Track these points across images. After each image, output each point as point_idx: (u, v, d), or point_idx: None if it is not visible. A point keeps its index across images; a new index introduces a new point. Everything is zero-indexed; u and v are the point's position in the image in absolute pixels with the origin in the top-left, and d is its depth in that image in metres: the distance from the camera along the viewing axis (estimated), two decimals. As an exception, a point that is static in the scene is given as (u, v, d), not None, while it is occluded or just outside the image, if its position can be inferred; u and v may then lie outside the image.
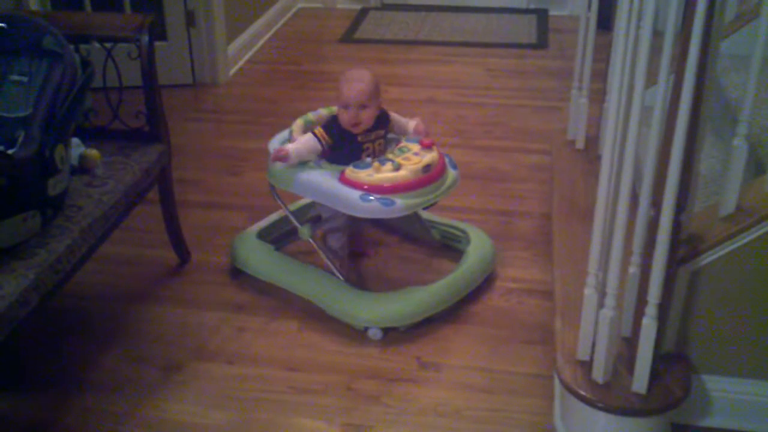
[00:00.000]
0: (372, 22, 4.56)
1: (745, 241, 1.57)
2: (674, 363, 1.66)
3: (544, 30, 4.37)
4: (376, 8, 4.81)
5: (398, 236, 2.39)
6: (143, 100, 2.07)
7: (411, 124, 2.11)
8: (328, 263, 2.09)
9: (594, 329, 1.62)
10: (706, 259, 1.59)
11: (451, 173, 2.06)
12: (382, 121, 2.05)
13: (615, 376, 1.63)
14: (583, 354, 1.67)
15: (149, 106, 2.07)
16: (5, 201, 1.55)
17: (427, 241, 2.34)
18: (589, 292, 1.62)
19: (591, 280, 1.62)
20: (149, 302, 2.14)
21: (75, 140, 1.93)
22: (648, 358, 1.57)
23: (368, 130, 2.02)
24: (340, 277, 2.07)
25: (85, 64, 1.79)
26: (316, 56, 4.09)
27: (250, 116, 3.32)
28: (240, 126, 3.23)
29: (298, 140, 2.01)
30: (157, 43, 2.13)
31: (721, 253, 1.58)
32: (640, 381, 1.59)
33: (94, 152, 1.96)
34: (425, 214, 2.30)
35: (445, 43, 4.21)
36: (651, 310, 1.54)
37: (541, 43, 4.16)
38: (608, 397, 1.61)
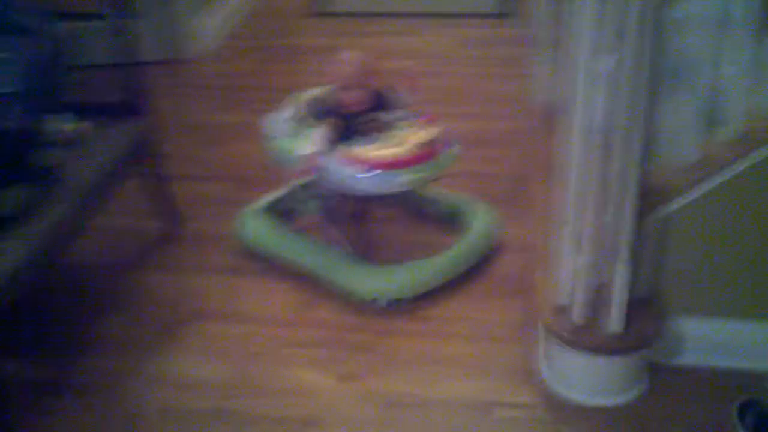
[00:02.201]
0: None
1: (708, 188, 1.68)
2: (648, 305, 1.77)
3: None
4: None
5: (401, 211, 2.42)
6: (123, 76, 2.12)
7: (402, 94, 2.11)
8: (334, 237, 2.15)
9: (571, 274, 1.74)
10: (674, 205, 1.70)
11: (452, 147, 2.10)
12: (380, 99, 2.07)
13: (593, 318, 1.74)
14: (562, 299, 1.78)
15: (133, 79, 2.12)
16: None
17: (430, 216, 2.38)
18: (567, 240, 1.73)
19: (568, 228, 1.73)
20: (145, 269, 2.21)
21: (64, 114, 1.97)
22: (623, 301, 1.69)
23: (365, 110, 2.04)
24: (346, 251, 2.13)
25: (67, 39, 1.84)
26: (289, 31, 4.13)
27: (226, 90, 3.37)
28: (217, 100, 3.28)
29: (316, 137, 2.00)
30: (129, 21, 2.16)
31: (687, 200, 1.70)
32: (616, 322, 1.71)
33: (83, 125, 2.01)
34: (428, 189, 2.34)
35: (413, 14, 4.28)
36: (624, 255, 1.66)
37: (507, 12, 4.26)
38: (587, 338, 1.72)
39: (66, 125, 1.95)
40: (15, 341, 1.90)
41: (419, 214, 2.40)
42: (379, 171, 1.95)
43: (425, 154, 2.00)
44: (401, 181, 1.97)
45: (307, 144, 2.02)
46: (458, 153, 2.12)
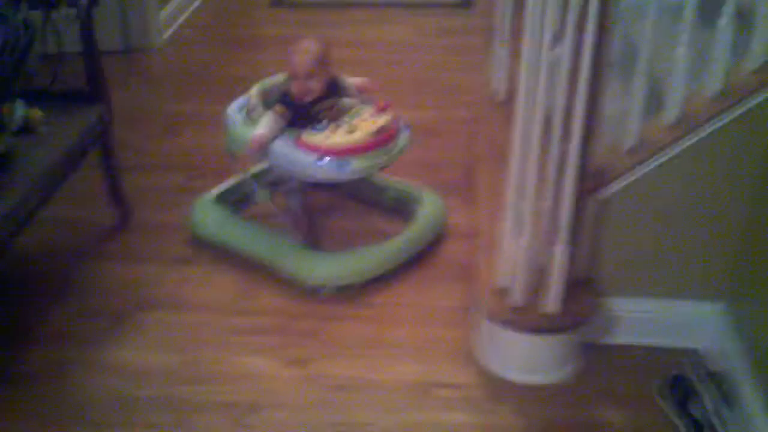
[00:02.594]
0: (302, -15, 4.62)
1: (645, 171, 1.72)
2: (584, 286, 1.81)
3: (470, -11, 4.49)
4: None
5: (352, 198, 2.44)
6: (81, 64, 2.12)
7: (354, 81, 2.16)
8: (287, 224, 2.16)
9: (512, 257, 1.77)
10: (612, 189, 1.74)
11: (405, 134, 2.13)
12: (334, 87, 2.10)
13: (531, 300, 1.78)
14: (502, 282, 1.81)
15: (90, 66, 2.12)
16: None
17: (380, 203, 2.40)
18: (508, 224, 1.76)
19: (508, 213, 1.76)
20: (94, 259, 2.22)
21: (18, 101, 1.97)
22: (561, 282, 1.72)
23: (321, 98, 2.06)
24: (299, 238, 2.15)
25: (27, 24, 1.84)
26: (248, 20, 4.13)
27: (185, 80, 3.37)
28: (175, 90, 3.28)
29: (264, 122, 2.03)
30: (69, 12, 2.14)
31: (625, 183, 1.74)
32: (552, 302, 1.75)
33: (36, 112, 2.01)
34: (377, 176, 2.36)
35: (374, 4, 4.29)
36: (562, 237, 1.69)
37: (466, 2, 4.28)
38: (525, 319, 1.76)
39: (24, 111, 1.94)
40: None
41: (368, 202, 2.43)
42: (332, 158, 1.97)
43: (378, 142, 2.03)
44: (354, 168, 1.99)
45: (244, 108, 2.06)
46: (409, 140, 2.15)
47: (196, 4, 4.23)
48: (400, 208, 2.36)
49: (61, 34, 2.30)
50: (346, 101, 2.15)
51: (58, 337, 1.94)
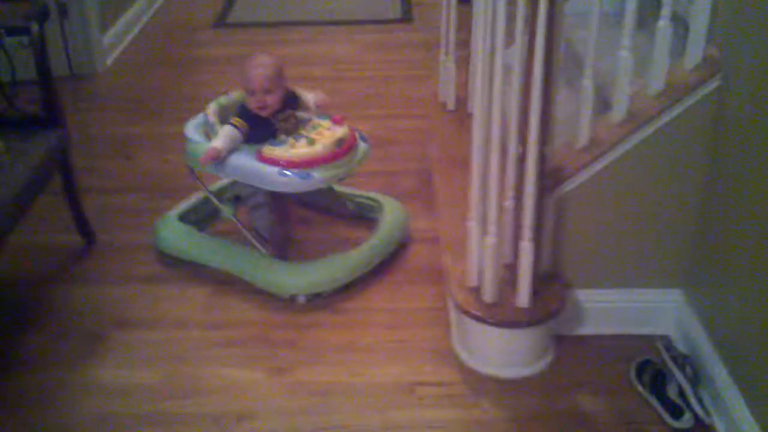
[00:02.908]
0: (241, 5, 4.66)
1: (598, 167, 1.83)
2: (551, 281, 1.91)
3: (407, 5, 4.60)
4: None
5: (315, 210, 2.50)
6: (34, 90, 2.13)
7: (311, 97, 2.22)
8: (251, 239, 2.20)
9: (479, 256, 1.86)
10: (568, 186, 1.85)
11: (362, 146, 2.20)
12: (291, 100, 2.15)
13: (501, 296, 1.87)
14: (472, 280, 1.90)
15: (46, 91, 2.13)
16: None
17: (343, 213, 2.46)
18: (473, 225, 1.85)
19: (473, 213, 1.85)
20: (63, 283, 2.23)
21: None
22: (528, 276, 1.82)
23: (278, 111, 2.11)
24: (264, 251, 2.19)
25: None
26: (192, 42, 4.15)
27: (133, 103, 3.38)
28: (124, 113, 3.29)
29: (220, 135, 2.07)
30: (21, 39, 2.16)
31: (581, 179, 1.84)
32: (522, 297, 1.84)
33: (-4, 141, 2.01)
34: (339, 187, 2.43)
35: (315, 22, 4.37)
36: (526, 233, 1.79)
37: (406, 17, 4.40)
38: (497, 314, 1.85)
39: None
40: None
41: (331, 212, 2.50)
42: (295, 169, 2.03)
43: (339, 152, 2.10)
44: (317, 178, 2.05)
45: (200, 127, 2.10)
46: (368, 150, 2.22)
47: (137, 28, 4.23)
48: (363, 216, 2.44)
49: (13, 61, 2.33)
50: (303, 115, 2.20)
51: (36, 362, 1.94)
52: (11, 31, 2.45)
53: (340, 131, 2.13)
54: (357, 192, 2.48)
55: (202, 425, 1.76)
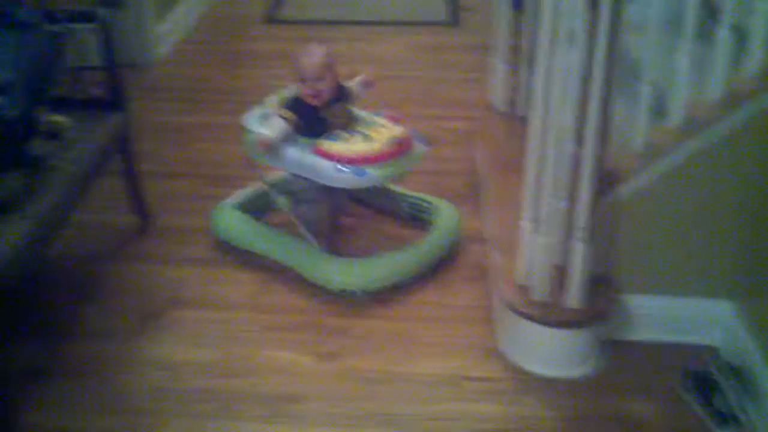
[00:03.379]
0: (291, 2, 4.73)
1: (654, 173, 1.84)
2: (602, 284, 1.92)
3: (454, 9, 4.64)
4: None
5: (370, 209, 2.51)
6: (95, 76, 2.22)
7: (356, 79, 2.24)
8: (304, 232, 2.23)
9: (531, 255, 1.88)
10: (622, 189, 1.87)
11: (420, 147, 2.21)
12: (343, 93, 2.18)
13: (551, 296, 1.89)
14: (523, 278, 1.93)
15: (111, 76, 2.20)
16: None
17: (396, 212, 2.46)
18: (526, 223, 1.88)
19: (527, 212, 1.88)
20: (121, 261, 2.30)
21: (47, 107, 2.03)
22: (580, 277, 1.84)
23: (330, 103, 2.14)
24: (315, 245, 2.21)
25: (59, 35, 1.92)
26: (243, 36, 4.22)
27: (185, 94, 3.44)
28: (176, 104, 3.35)
29: (268, 125, 2.12)
30: (87, 26, 2.19)
31: (634, 184, 1.86)
32: (574, 298, 1.86)
33: (62, 118, 2.08)
34: (393, 186, 2.43)
35: (363, 22, 4.41)
36: (579, 234, 1.81)
37: (454, 21, 4.43)
38: (547, 314, 1.87)
39: (51, 117, 2.01)
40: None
41: (384, 211, 2.50)
42: (352, 166, 2.05)
43: (396, 151, 2.11)
44: (372, 175, 2.07)
45: (265, 128, 2.13)
46: (427, 151, 2.24)
47: (192, 21, 4.31)
48: (416, 218, 2.44)
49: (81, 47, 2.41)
50: (358, 112, 2.22)
51: (94, 335, 2.01)
52: (75, 18, 2.52)
53: (397, 129, 2.15)
54: (412, 193, 2.48)
55: (254, 403, 1.81)
